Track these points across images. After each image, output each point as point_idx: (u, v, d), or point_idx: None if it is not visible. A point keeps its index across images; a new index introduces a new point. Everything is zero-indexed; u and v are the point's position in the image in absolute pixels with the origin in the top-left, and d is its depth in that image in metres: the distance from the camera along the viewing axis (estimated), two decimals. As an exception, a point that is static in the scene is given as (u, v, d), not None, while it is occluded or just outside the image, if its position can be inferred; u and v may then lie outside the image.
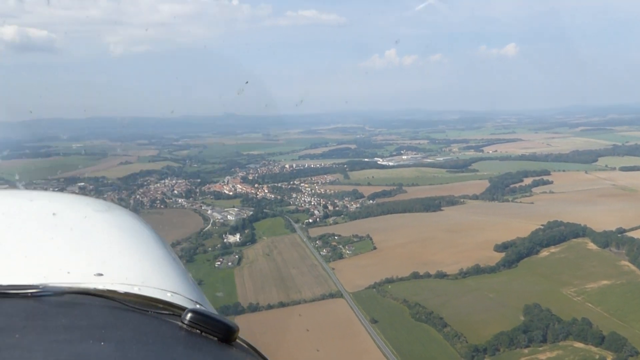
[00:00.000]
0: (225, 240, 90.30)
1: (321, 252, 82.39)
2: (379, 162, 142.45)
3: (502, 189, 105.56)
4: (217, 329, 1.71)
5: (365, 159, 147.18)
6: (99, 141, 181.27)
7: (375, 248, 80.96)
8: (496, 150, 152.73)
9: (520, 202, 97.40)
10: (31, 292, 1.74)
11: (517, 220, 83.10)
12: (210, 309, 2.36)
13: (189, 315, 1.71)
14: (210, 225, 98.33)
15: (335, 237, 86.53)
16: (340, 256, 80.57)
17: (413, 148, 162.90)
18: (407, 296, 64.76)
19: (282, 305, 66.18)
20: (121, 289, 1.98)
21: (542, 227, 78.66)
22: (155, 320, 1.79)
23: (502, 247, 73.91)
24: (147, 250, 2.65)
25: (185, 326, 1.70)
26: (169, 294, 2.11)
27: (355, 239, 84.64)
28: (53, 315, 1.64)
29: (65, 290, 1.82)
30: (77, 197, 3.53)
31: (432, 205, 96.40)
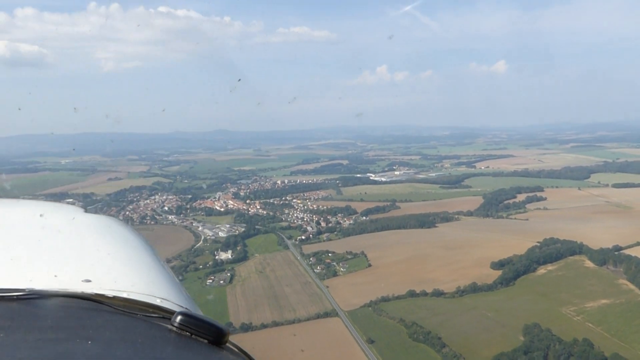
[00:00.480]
0: (216, 257, 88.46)
1: (315, 270, 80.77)
2: (371, 178, 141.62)
3: (496, 205, 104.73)
4: (207, 332, 1.69)
5: (358, 175, 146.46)
6: (88, 157, 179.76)
7: (370, 265, 79.47)
8: (488, 167, 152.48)
9: (515, 218, 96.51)
10: (17, 295, 1.73)
11: (513, 237, 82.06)
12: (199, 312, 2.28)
13: (179, 317, 1.70)
14: (201, 242, 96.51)
15: (329, 254, 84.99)
16: (335, 274, 78.94)
17: (405, 164, 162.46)
18: (403, 315, 63.17)
19: (275, 324, 64.34)
20: (109, 294, 1.97)
21: (538, 244, 77.58)
22: (144, 323, 1.78)
23: (498, 265, 72.70)
24: (136, 257, 2.62)
25: (175, 329, 1.69)
26: (158, 300, 2.07)
27: (349, 256, 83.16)
28: (39, 316, 1.64)
29: (52, 293, 1.81)
30: (65, 205, 3.45)
31: (426, 221, 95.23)
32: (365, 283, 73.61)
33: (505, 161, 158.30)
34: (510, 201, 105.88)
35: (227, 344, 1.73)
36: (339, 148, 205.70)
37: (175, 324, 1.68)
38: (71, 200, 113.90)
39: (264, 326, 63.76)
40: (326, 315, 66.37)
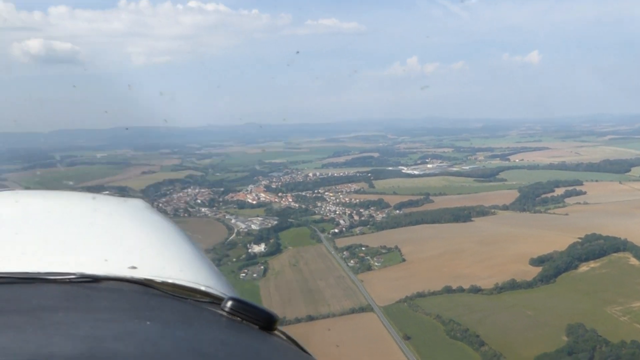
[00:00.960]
0: (249, 250, 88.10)
1: (349, 264, 79.72)
2: (403, 171, 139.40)
3: (533, 199, 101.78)
4: (257, 317, 1.69)
5: (389, 168, 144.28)
6: (122, 150, 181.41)
7: (404, 260, 77.99)
8: (523, 159, 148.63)
9: (554, 213, 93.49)
10: (69, 278, 1.78)
11: (552, 233, 79.43)
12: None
13: (230, 302, 1.71)
14: (234, 234, 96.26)
15: (363, 248, 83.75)
16: (369, 268, 77.75)
17: (438, 156, 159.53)
18: (440, 311, 61.65)
19: (310, 318, 63.52)
20: (157, 279, 2.01)
21: (579, 240, 74.77)
22: (196, 307, 1.80)
23: (538, 261, 70.37)
24: (178, 247, 2.65)
25: (225, 313, 1.70)
26: (203, 287, 2.10)
27: (383, 251, 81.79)
28: (94, 297, 1.68)
29: (103, 277, 1.85)
30: (111, 197, 3.51)
31: (461, 215, 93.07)
32: (399, 278, 72.22)
33: (541, 154, 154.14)
34: (548, 195, 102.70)
35: (277, 331, 1.74)
36: (370, 141, 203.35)
37: (226, 309, 1.69)
38: (106, 192, 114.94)
39: (297, 320, 62.86)
40: (361, 310, 65.29)
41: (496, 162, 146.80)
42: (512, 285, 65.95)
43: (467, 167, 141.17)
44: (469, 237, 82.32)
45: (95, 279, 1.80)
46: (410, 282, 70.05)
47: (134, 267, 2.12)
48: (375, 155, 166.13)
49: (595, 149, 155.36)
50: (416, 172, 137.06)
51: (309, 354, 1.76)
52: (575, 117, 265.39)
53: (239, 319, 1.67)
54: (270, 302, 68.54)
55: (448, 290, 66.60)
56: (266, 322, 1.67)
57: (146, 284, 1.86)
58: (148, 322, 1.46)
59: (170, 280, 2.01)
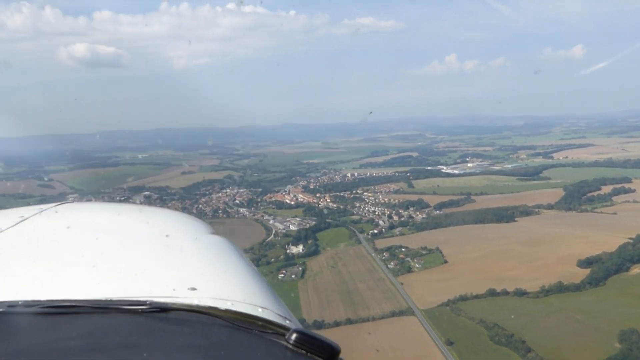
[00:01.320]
0: (288, 251, 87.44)
1: (388, 265, 78.10)
2: (443, 170, 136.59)
3: (579, 198, 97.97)
4: (321, 350, 1.72)
5: (429, 167, 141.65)
6: (162, 151, 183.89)
7: (446, 262, 75.96)
8: (567, 157, 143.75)
9: (601, 212, 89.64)
10: (141, 309, 1.85)
11: (601, 233, 76.06)
12: (297, 324, 2.48)
13: (294, 335, 1.75)
14: (272, 235, 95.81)
15: (403, 250, 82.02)
16: (409, 270, 75.99)
17: (478, 155, 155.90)
18: (483, 315, 59.55)
19: (349, 322, 62.34)
20: (217, 304, 2.11)
21: (630, 240, 71.16)
22: (262, 340, 1.85)
23: (586, 263, 67.37)
24: (238, 269, 2.76)
25: (290, 346, 1.73)
26: (260, 310, 2.22)
27: (424, 252, 79.88)
28: (170, 332, 1.74)
29: (170, 306, 1.93)
30: (174, 213, 3.68)
31: (504, 215, 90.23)
32: (441, 280, 70.30)
33: (585, 150, 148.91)
34: (595, 193, 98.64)
35: None
36: (408, 140, 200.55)
37: (291, 342, 1.73)
38: (148, 193, 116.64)
39: (337, 324, 61.86)
40: (401, 313, 63.73)
41: (539, 160, 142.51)
42: (559, 288, 63.23)
43: (509, 166, 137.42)
44: (512, 237, 79.67)
45: (163, 309, 1.87)
46: (452, 284, 68.08)
47: (194, 289, 2.22)
48: (414, 154, 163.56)
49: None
50: (456, 172, 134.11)
51: None
52: (620, 112, 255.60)
53: (303, 351, 1.68)
54: (309, 304, 67.71)
55: (492, 293, 64.36)
56: (330, 354, 1.69)
57: (211, 313, 1.92)
58: None
59: (228, 304, 2.09)
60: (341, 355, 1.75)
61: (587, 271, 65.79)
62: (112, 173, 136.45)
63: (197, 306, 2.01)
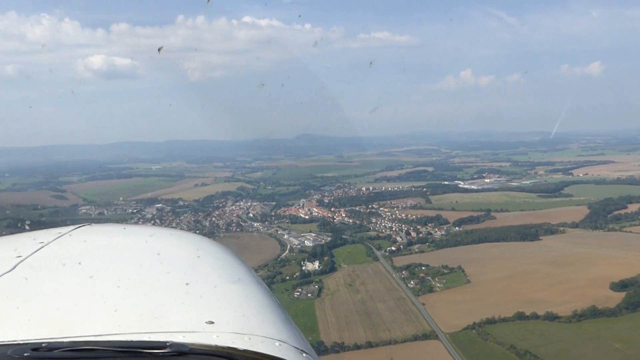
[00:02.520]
0: (303, 267, 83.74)
1: (408, 284, 74.12)
2: (460, 186, 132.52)
3: (605, 216, 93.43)
4: None
5: (445, 182, 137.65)
6: (176, 163, 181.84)
7: (469, 282, 71.81)
8: (587, 173, 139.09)
9: (630, 231, 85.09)
10: (162, 352, 1.86)
11: (633, 254, 71.61)
12: (314, 356, 2.47)
13: None
14: (287, 251, 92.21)
15: (423, 268, 78.00)
16: (430, 289, 71.92)
17: (495, 171, 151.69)
18: (513, 341, 55.34)
19: (370, 345, 58.35)
20: (235, 341, 2.10)
21: (666, 262, 66.95)
22: None
23: (620, 286, 62.94)
24: (253, 296, 2.72)
25: None
26: (277, 343, 2.21)
27: (445, 271, 75.79)
28: None
29: (189, 349, 1.93)
30: (187, 235, 3.57)
31: (528, 234, 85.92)
32: (465, 301, 66.15)
33: (605, 167, 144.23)
34: (622, 212, 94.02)
35: None
36: (423, 154, 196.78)
37: None
38: (160, 205, 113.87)
39: (357, 347, 57.94)
40: (425, 337, 59.60)
41: (558, 177, 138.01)
42: (593, 313, 58.83)
43: (528, 182, 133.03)
44: (538, 257, 75.40)
45: (182, 352, 1.88)
46: (477, 306, 63.95)
47: (211, 322, 2.21)
48: (430, 169, 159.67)
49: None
50: (474, 187, 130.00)
51: None
52: (637, 130, 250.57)
53: None
54: (326, 324, 63.83)
55: (520, 316, 60.09)
56: None
57: (229, 356, 1.93)
58: None
59: (245, 339, 2.09)
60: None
61: (622, 295, 61.33)
62: (125, 185, 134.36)
63: (216, 347, 1.97)
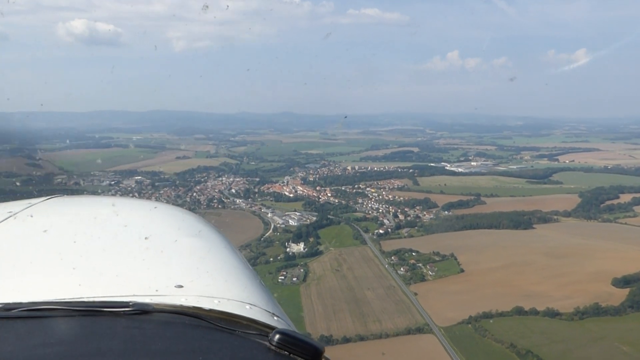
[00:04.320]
0: (288, 249, 78.26)
1: (398, 271, 69.14)
2: (447, 168, 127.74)
3: (597, 205, 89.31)
4: (304, 351, 1.68)
5: (432, 164, 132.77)
6: (158, 134, 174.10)
7: (462, 270, 67.04)
8: (573, 160, 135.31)
9: (626, 223, 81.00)
10: (123, 311, 1.81)
11: (633, 247, 67.43)
12: (287, 320, 2.39)
13: (277, 336, 1.70)
14: (271, 230, 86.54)
15: (413, 254, 73.03)
16: (422, 278, 67.00)
17: (481, 154, 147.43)
18: (513, 338, 50.72)
19: (360, 338, 53.27)
20: (203, 303, 2.03)
21: (669, 258, 62.74)
22: (244, 341, 1.81)
23: (623, 282, 58.65)
24: (225, 262, 2.67)
25: (273, 347, 1.69)
26: (247, 307, 2.15)
27: (437, 258, 70.92)
28: (149, 336, 1.69)
29: (153, 308, 1.87)
30: (160, 205, 3.45)
31: (521, 221, 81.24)
32: (459, 292, 61.36)
33: (591, 155, 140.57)
34: (614, 202, 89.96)
35: None
36: (407, 135, 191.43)
37: (274, 343, 1.68)
38: (140, 177, 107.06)
39: (346, 340, 52.78)
40: (418, 330, 54.70)
41: (544, 163, 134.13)
42: (596, 311, 54.44)
43: (514, 167, 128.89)
44: (534, 247, 70.85)
45: (146, 311, 1.83)
46: (472, 298, 59.24)
47: (180, 286, 2.15)
48: (415, 150, 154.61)
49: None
50: (461, 170, 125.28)
51: None
52: (620, 119, 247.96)
53: (286, 352, 1.65)
54: (313, 313, 58.60)
55: (519, 311, 55.50)
56: (313, 354, 1.66)
57: (195, 314, 1.87)
58: None
59: (215, 302, 2.03)
60: (326, 355, 1.71)
61: (626, 292, 57.05)
62: (104, 155, 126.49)
63: (181, 306, 1.90)
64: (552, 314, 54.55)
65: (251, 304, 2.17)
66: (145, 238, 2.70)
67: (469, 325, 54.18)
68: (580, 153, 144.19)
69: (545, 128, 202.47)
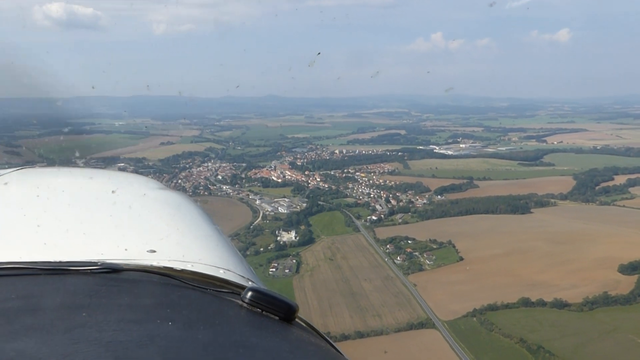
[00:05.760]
0: (278, 238, 73.77)
1: (395, 260, 65.14)
2: (436, 151, 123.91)
3: (592, 188, 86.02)
4: (277, 308, 1.63)
5: (420, 147, 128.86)
6: (141, 119, 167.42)
7: (461, 259, 63.26)
8: (562, 142, 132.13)
9: (624, 205, 77.79)
10: (91, 269, 1.75)
11: (635, 231, 64.09)
12: (262, 286, 2.23)
13: (250, 293, 1.65)
14: (260, 218, 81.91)
15: (409, 242, 69.13)
16: (420, 267, 63.09)
17: (468, 136, 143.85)
18: (522, 332, 47.11)
19: (359, 335, 49.24)
20: (176, 265, 1.98)
21: (675, 242, 59.46)
22: (216, 298, 1.75)
23: (630, 268, 55.33)
24: (198, 229, 2.62)
25: (245, 305, 1.64)
26: (222, 271, 2.08)
27: (434, 246, 67.04)
28: (116, 293, 1.64)
29: (123, 267, 1.81)
30: (133, 176, 3.46)
31: (518, 205, 77.65)
32: (460, 282, 57.56)
33: (578, 135, 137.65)
34: (610, 184, 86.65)
35: (296, 320, 1.68)
36: (393, 117, 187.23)
37: (246, 300, 1.63)
38: (122, 164, 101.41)
39: (344, 337, 48.63)
40: (421, 325, 50.84)
41: (533, 144, 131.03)
42: (606, 300, 51.09)
43: (504, 149, 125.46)
44: (533, 232, 67.23)
45: (115, 270, 1.77)
46: (474, 288, 55.52)
47: (153, 251, 2.09)
48: (402, 132, 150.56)
49: (637, 132, 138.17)
50: (450, 152, 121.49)
51: (330, 342, 1.72)
52: (603, 99, 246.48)
53: (259, 310, 1.62)
54: (308, 308, 54.25)
55: (525, 302, 51.91)
56: (286, 312, 1.61)
57: (166, 274, 1.82)
58: (170, 323, 1.43)
59: (188, 266, 1.96)
60: (300, 314, 1.65)
61: (634, 278, 53.80)
62: (86, 141, 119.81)
63: (152, 267, 1.84)
64: (561, 304, 51.03)
65: (226, 269, 2.10)
66: (115, 203, 2.59)
67: (474, 319, 50.49)
68: (568, 134, 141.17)
69: (530, 109, 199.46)
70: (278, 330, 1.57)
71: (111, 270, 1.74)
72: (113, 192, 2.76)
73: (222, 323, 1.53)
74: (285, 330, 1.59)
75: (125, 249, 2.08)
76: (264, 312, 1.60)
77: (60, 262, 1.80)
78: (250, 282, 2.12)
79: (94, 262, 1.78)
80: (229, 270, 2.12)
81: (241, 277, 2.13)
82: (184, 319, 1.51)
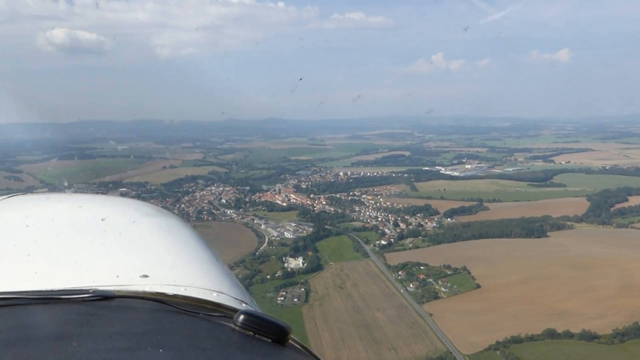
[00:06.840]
0: (286, 264, 70.24)
1: (408, 288, 61.56)
2: (442, 172, 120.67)
3: (607, 209, 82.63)
4: (270, 330, 1.61)
5: (425, 168, 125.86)
6: (144, 143, 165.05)
7: (478, 286, 59.67)
8: (569, 161, 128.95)
9: (643, 228, 74.30)
10: (82, 297, 1.72)
11: (660, 256, 60.55)
12: (256, 308, 2.30)
13: (242, 317, 1.63)
14: (265, 243, 78.42)
15: (422, 267, 65.55)
16: (435, 295, 59.48)
17: (473, 156, 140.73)
18: (551, 369, 43.31)
19: (375, 372, 45.47)
20: (168, 290, 1.96)
21: None
22: (208, 323, 1.73)
23: (659, 296, 51.70)
24: (191, 252, 2.61)
25: (238, 328, 1.63)
26: (214, 294, 2.07)
27: (448, 272, 63.51)
28: (107, 320, 1.62)
29: (115, 294, 1.79)
30: (124, 200, 3.50)
31: (533, 229, 74.20)
32: (479, 312, 53.87)
33: (585, 155, 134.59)
34: (625, 205, 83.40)
35: (290, 342, 1.66)
36: (396, 138, 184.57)
37: (238, 324, 1.61)
38: (125, 189, 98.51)
39: (360, 374, 44.95)
40: (441, 360, 47.02)
41: (540, 164, 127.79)
42: (637, 332, 47.39)
43: (511, 169, 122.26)
44: (552, 257, 63.70)
45: (107, 297, 1.74)
46: (494, 318, 51.83)
47: (145, 276, 2.07)
48: (407, 153, 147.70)
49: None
50: (456, 174, 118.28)
51: None
52: (605, 118, 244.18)
53: (251, 332, 1.60)
54: (319, 340, 50.57)
55: (551, 334, 48.18)
56: (279, 334, 1.60)
57: (158, 300, 1.79)
58: (160, 350, 1.40)
59: (181, 290, 1.95)
60: (293, 336, 1.63)
61: (665, 308, 49.99)
62: (87, 166, 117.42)
63: (144, 292, 1.82)
64: (589, 336, 47.30)
65: (219, 292, 2.07)
66: (105, 230, 2.54)
67: (497, 352, 46.73)
68: (574, 153, 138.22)
69: (533, 129, 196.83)
70: (270, 353, 1.55)
71: (103, 298, 1.71)
72: (103, 219, 2.64)
73: (214, 348, 1.51)
74: (278, 352, 1.57)
75: (117, 276, 2.02)
76: (256, 335, 1.58)
77: (51, 291, 1.75)
78: (243, 304, 2.06)
79: (86, 290, 1.73)
80: (222, 292, 2.08)
81: (234, 299, 2.07)
82: (175, 345, 1.49)
